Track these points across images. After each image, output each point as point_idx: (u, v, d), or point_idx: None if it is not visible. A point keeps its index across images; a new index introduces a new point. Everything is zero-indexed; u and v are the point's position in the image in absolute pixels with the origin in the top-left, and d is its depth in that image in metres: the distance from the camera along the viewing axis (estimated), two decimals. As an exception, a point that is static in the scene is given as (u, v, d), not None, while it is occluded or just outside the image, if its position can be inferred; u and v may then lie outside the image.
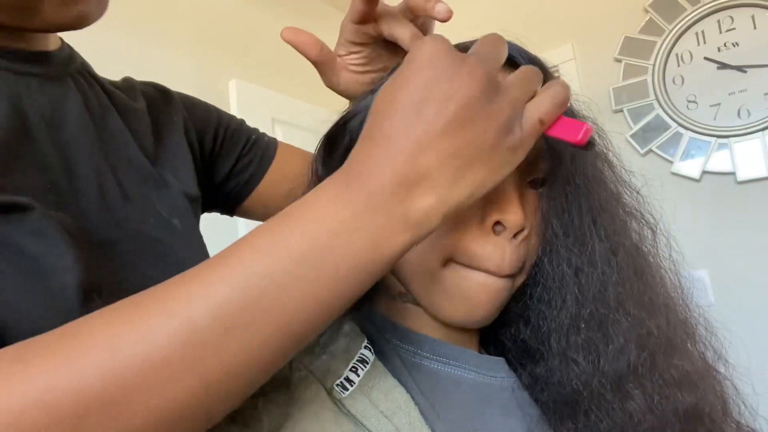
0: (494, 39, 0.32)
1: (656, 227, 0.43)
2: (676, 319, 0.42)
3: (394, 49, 0.52)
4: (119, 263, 0.42)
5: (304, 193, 0.30)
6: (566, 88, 0.31)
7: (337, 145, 0.43)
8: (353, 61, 0.52)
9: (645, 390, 0.39)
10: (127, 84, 0.59)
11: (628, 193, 0.44)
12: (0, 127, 0.40)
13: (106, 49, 1.33)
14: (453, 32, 0.40)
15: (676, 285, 0.43)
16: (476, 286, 0.38)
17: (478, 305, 0.38)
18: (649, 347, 0.39)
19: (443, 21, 0.46)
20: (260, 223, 0.29)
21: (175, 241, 0.49)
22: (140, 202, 0.48)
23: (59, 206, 0.41)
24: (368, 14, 0.48)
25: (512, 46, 0.39)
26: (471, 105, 0.27)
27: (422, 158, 0.27)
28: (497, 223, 0.38)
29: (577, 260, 0.40)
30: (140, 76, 0.65)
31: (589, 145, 0.31)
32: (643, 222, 0.43)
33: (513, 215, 0.37)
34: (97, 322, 0.25)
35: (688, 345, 0.42)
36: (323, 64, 0.51)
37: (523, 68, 0.32)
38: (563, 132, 0.31)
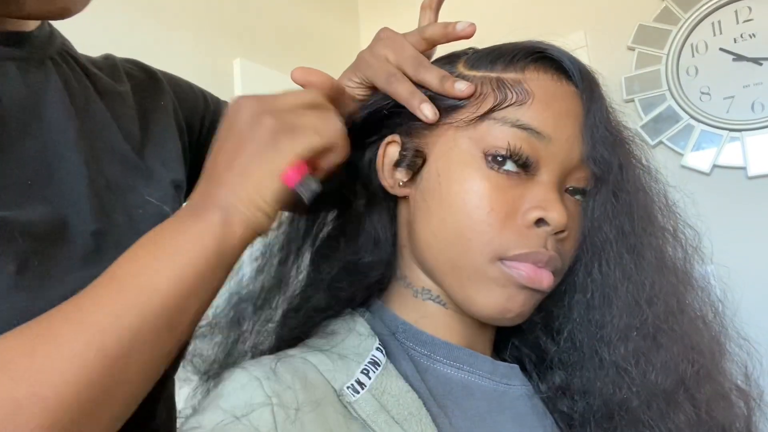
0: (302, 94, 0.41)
1: (700, 243, 0.43)
2: (719, 335, 0.42)
3: None
4: (111, 254, 0.41)
5: None
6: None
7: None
8: (363, 93, 0.51)
9: (694, 402, 0.39)
10: (109, 62, 0.56)
11: (674, 206, 0.44)
12: None
13: (106, 27, 1.30)
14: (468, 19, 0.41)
15: (716, 301, 0.44)
16: (515, 285, 0.38)
17: (515, 303, 0.38)
18: (698, 360, 0.39)
19: (469, 37, 0.45)
20: None
21: None
22: (125, 192, 0.47)
23: (42, 200, 0.40)
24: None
25: (566, 56, 0.42)
26: (237, 139, 0.37)
27: (219, 192, 0.36)
28: (540, 220, 0.38)
29: (629, 268, 0.39)
30: (142, 54, 0.62)
31: (301, 193, 0.36)
32: (687, 236, 0.43)
33: (556, 213, 0.37)
34: None
35: (728, 362, 0.42)
36: (333, 99, 0.50)
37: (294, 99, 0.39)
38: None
